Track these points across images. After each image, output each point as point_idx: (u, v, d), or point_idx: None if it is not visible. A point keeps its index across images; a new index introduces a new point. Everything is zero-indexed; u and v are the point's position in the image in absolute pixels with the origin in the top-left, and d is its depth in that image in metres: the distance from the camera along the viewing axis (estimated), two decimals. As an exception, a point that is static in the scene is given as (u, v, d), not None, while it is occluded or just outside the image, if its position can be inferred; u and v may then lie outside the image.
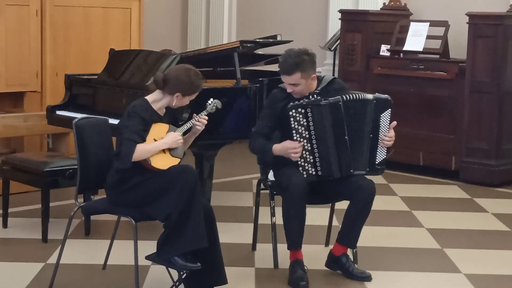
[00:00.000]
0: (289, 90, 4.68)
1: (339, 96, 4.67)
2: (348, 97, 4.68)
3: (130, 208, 4.27)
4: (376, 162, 4.75)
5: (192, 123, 4.42)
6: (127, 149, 4.17)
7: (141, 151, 4.18)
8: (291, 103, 4.63)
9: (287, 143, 4.60)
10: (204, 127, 4.46)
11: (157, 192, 4.21)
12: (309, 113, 4.61)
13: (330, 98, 4.66)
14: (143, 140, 4.22)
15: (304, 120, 4.62)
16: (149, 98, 4.35)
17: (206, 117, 4.46)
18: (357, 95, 4.72)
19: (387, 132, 4.73)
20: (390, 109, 4.74)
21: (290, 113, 4.61)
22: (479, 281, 4.78)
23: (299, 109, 4.61)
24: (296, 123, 4.62)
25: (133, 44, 7.80)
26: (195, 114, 4.45)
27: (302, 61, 4.59)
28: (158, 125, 4.31)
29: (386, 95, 4.79)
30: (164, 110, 4.40)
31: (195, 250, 4.19)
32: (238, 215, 6.09)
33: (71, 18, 7.44)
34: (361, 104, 4.71)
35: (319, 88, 4.75)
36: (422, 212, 6.39)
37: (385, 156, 4.77)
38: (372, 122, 4.71)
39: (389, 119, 4.73)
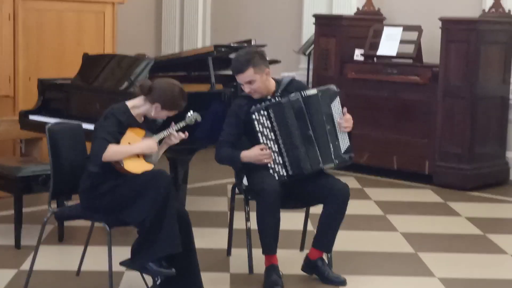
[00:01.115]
0: (247, 90, 4.71)
1: (298, 93, 4.71)
2: (305, 93, 4.72)
3: (104, 214, 4.25)
4: (342, 152, 4.77)
5: (169, 131, 4.41)
6: (98, 148, 4.16)
7: (112, 151, 4.16)
8: (253, 107, 4.66)
9: (256, 150, 4.62)
10: (178, 141, 4.46)
11: (131, 197, 4.19)
12: (271, 114, 4.65)
13: (289, 96, 4.69)
14: (116, 141, 4.21)
15: (268, 121, 4.65)
16: (129, 103, 4.34)
17: (184, 135, 4.45)
18: (306, 91, 4.75)
19: (341, 118, 4.75)
20: (338, 97, 4.78)
21: (253, 116, 4.64)
22: (453, 285, 4.81)
23: (261, 111, 4.65)
24: (260, 126, 4.65)
25: (107, 48, 7.78)
26: (173, 123, 4.44)
27: (252, 57, 4.67)
28: (134, 130, 4.30)
29: (330, 85, 4.83)
30: (143, 118, 4.39)
31: (170, 256, 4.18)
32: (213, 220, 6.08)
33: (44, 22, 7.39)
34: (313, 98, 4.73)
35: (279, 91, 4.79)
36: (396, 216, 6.42)
37: (348, 144, 4.79)
38: (325, 114, 4.74)
39: (340, 107, 4.77)
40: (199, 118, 4.56)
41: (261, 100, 4.74)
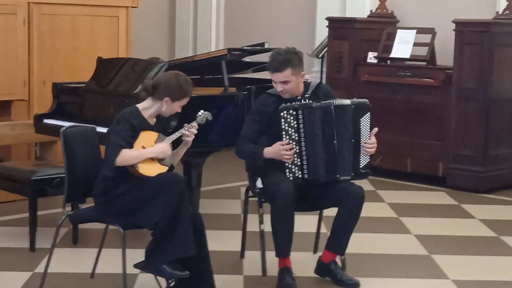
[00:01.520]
0: (279, 89, 4.68)
1: (331, 101, 4.69)
2: (337, 102, 4.70)
3: (118, 217, 4.26)
4: (361, 167, 4.76)
5: (181, 132, 4.41)
6: (112, 153, 4.18)
7: (125, 155, 4.17)
8: (283, 104, 4.64)
9: (279, 145, 4.60)
10: (193, 137, 4.46)
11: (145, 200, 4.20)
12: (300, 115, 4.63)
13: (322, 102, 4.67)
14: (130, 145, 4.21)
15: (295, 122, 4.63)
16: (140, 106, 4.35)
17: (196, 126, 4.45)
18: (339, 100, 4.74)
19: (368, 137, 4.74)
20: (369, 113, 4.75)
21: (282, 114, 4.62)
22: (467, 287, 4.79)
23: (291, 111, 4.62)
24: (286, 125, 4.63)
25: (121, 52, 7.79)
26: (186, 124, 4.44)
27: (291, 58, 4.65)
28: (147, 133, 4.31)
29: (364, 99, 4.80)
30: (155, 119, 4.39)
31: (183, 258, 4.18)
32: (226, 223, 6.08)
33: (58, 26, 7.42)
34: (344, 109, 4.71)
35: (309, 92, 4.77)
36: (409, 218, 6.41)
37: (368, 160, 4.77)
38: (353, 126, 4.72)
39: (368, 124, 4.74)
40: (210, 117, 4.55)
41: (291, 100, 4.72)
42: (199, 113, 4.52)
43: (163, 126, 4.49)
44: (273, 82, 4.74)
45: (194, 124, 4.45)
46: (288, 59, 4.64)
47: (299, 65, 4.68)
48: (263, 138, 4.79)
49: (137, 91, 4.43)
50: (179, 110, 4.42)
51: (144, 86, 4.36)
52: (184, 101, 4.39)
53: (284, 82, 4.66)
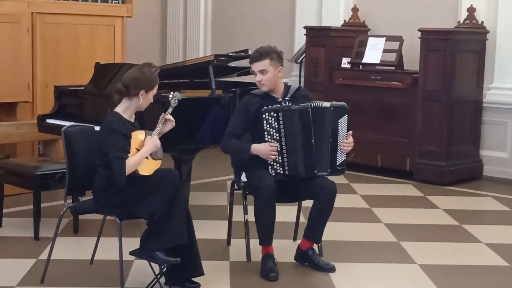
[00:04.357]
0: (258, 79, 4.68)
1: (309, 103, 4.69)
2: (315, 104, 4.70)
3: (116, 208, 4.23)
4: (337, 164, 4.76)
5: (162, 122, 4.33)
6: (119, 169, 4.09)
7: (130, 165, 4.12)
8: (265, 107, 4.63)
9: (267, 145, 4.60)
10: (173, 120, 4.37)
11: (143, 194, 4.17)
12: (281, 117, 4.62)
13: (300, 104, 4.67)
14: (129, 153, 4.16)
15: (276, 123, 4.62)
16: (119, 109, 4.25)
17: (170, 111, 4.35)
18: (318, 103, 4.73)
19: (345, 137, 4.74)
20: (346, 115, 4.75)
21: (264, 116, 4.61)
22: (432, 271, 4.81)
23: (272, 113, 4.61)
24: (268, 126, 4.62)
25: (117, 57, 7.77)
26: (162, 114, 4.36)
27: (271, 51, 4.70)
28: (136, 133, 4.24)
29: (343, 103, 4.80)
30: (134, 116, 4.33)
31: (175, 246, 4.17)
32: (214, 213, 6.07)
33: (60, 34, 7.39)
34: (324, 111, 4.71)
35: (288, 96, 4.76)
36: (380, 208, 6.42)
37: (344, 158, 4.77)
38: (331, 127, 4.71)
39: (346, 124, 4.74)
40: (179, 96, 4.43)
41: (272, 101, 4.71)
42: (170, 96, 4.41)
43: (141, 116, 4.39)
44: (253, 75, 4.73)
45: (169, 110, 4.36)
46: (267, 51, 4.69)
47: (277, 59, 4.70)
48: (247, 135, 4.78)
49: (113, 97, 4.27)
50: (152, 100, 4.31)
51: (116, 89, 4.25)
52: (155, 89, 4.30)
53: (262, 72, 4.66)
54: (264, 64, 4.65)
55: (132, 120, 4.30)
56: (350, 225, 5.87)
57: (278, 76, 4.71)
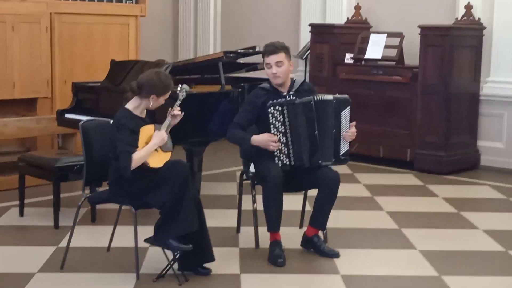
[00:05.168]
0: (274, 71, 4.66)
1: (311, 97, 4.68)
2: (317, 98, 4.69)
3: (130, 198, 4.25)
4: (340, 154, 4.75)
5: (170, 116, 4.33)
6: (125, 162, 4.11)
7: (136, 159, 4.13)
8: (270, 101, 4.62)
9: (266, 135, 4.59)
10: (181, 113, 4.36)
11: (154, 184, 4.18)
12: (285, 111, 4.61)
13: (303, 98, 4.66)
14: (136, 147, 4.16)
15: (281, 116, 4.62)
16: (130, 106, 4.26)
17: (178, 104, 4.34)
18: (322, 96, 4.72)
19: (347, 128, 4.73)
20: (349, 107, 4.73)
21: (269, 110, 4.60)
22: (431, 256, 4.81)
23: (277, 107, 4.61)
24: (274, 119, 4.61)
25: (131, 55, 7.77)
26: (170, 108, 4.36)
27: (285, 46, 4.74)
28: (145, 128, 4.24)
29: (345, 95, 4.78)
30: (145, 111, 4.33)
31: (187, 233, 4.18)
32: (224, 203, 6.08)
33: (76, 33, 7.40)
34: (326, 104, 4.70)
35: (293, 90, 4.76)
36: (382, 197, 6.41)
37: (347, 148, 4.76)
38: (334, 119, 4.70)
39: (348, 116, 4.73)
40: (187, 88, 4.44)
41: (278, 95, 4.70)
42: (178, 89, 4.40)
43: (152, 112, 4.38)
44: (266, 68, 4.71)
45: (177, 102, 4.36)
46: (282, 45, 4.72)
47: (289, 54, 4.73)
48: (252, 127, 4.78)
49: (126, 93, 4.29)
50: (163, 102, 4.31)
51: (130, 87, 4.26)
52: (167, 95, 4.30)
53: (278, 64, 4.66)
54: (281, 56, 4.66)
55: (143, 116, 4.30)
56: (354, 213, 5.87)
57: (290, 70, 4.72)
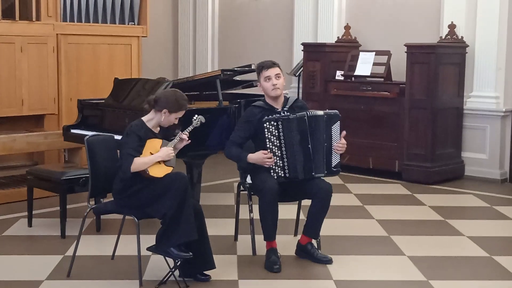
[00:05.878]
0: (274, 82, 4.69)
1: (305, 112, 4.70)
2: (310, 113, 4.71)
3: (133, 209, 4.25)
4: (332, 166, 4.76)
5: (179, 136, 4.37)
6: (126, 163, 4.14)
7: (138, 163, 4.15)
8: (266, 117, 4.64)
9: (261, 154, 4.61)
10: (189, 140, 4.42)
11: (155, 196, 4.18)
12: (280, 126, 4.63)
13: (297, 114, 4.68)
14: (139, 153, 4.18)
15: (276, 131, 4.63)
16: (145, 118, 4.31)
17: (189, 130, 4.40)
18: (314, 112, 4.74)
19: (338, 141, 4.74)
20: (339, 122, 4.76)
21: (265, 125, 4.62)
22: (419, 261, 4.81)
23: (272, 122, 4.63)
24: (269, 134, 4.63)
25: (133, 73, 7.79)
26: (180, 132, 4.40)
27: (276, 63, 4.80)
28: (153, 141, 4.26)
29: (335, 110, 4.81)
30: (159, 128, 4.36)
31: (187, 242, 4.18)
32: (222, 212, 6.07)
33: (82, 53, 7.42)
34: (318, 119, 4.72)
35: (287, 106, 4.78)
36: (372, 206, 6.42)
37: (339, 160, 4.78)
38: (326, 133, 4.72)
39: (339, 130, 4.74)
40: (203, 120, 4.49)
41: (272, 112, 4.72)
42: (194, 118, 4.47)
43: (166, 133, 4.43)
44: (264, 82, 4.71)
45: (189, 128, 4.41)
46: (275, 62, 4.78)
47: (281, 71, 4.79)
48: (249, 143, 4.79)
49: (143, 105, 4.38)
50: (176, 122, 4.34)
51: (147, 100, 4.32)
52: (180, 114, 4.32)
53: (277, 77, 4.69)
54: (278, 70, 4.73)
55: (156, 131, 4.32)
56: (345, 221, 5.87)
57: (284, 84, 4.78)
